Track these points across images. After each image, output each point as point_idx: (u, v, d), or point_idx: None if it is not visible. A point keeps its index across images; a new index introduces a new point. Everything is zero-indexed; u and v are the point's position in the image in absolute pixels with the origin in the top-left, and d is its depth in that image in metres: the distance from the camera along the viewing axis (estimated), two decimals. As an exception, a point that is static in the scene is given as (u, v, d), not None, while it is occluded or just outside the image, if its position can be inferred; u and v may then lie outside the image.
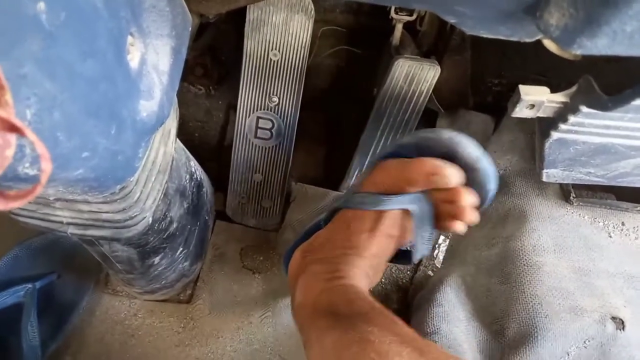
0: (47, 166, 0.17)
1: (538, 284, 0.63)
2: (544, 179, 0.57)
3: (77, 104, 0.25)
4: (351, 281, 0.49)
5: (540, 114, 0.48)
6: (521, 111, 0.48)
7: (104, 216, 0.43)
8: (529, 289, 0.63)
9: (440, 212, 0.52)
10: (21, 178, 0.25)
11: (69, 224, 0.43)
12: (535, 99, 0.46)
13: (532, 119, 0.50)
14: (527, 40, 0.36)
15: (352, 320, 0.43)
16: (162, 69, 0.36)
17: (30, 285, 0.58)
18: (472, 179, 0.50)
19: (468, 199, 0.50)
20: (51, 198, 0.40)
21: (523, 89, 0.46)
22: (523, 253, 0.66)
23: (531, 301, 0.62)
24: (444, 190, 0.51)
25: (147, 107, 0.35)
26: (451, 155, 0.50)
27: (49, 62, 0.22)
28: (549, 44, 0.40)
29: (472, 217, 0.50)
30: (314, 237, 0.56)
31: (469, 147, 0.50)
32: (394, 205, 0.51)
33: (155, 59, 0.35)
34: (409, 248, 0.56)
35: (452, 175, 0.49)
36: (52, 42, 0.22)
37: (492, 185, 0.52)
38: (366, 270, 0.52)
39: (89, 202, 0.41)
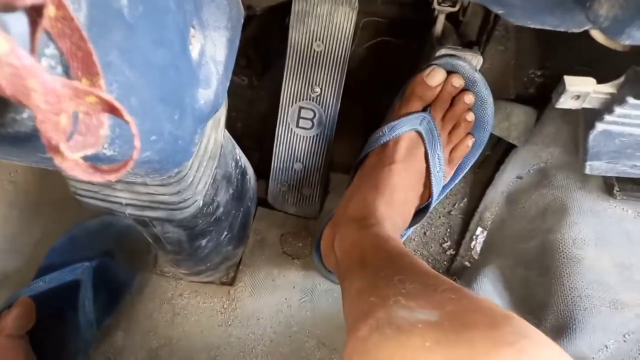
0: (138, 143, 0.20)
1: (578, 277, 0.63)
2: (587, 171, 0.57)
3: (150, 90, 0.27)
4: (379, 227, 0.52)
5: (586, 105, 0.48)
6: (566, 102, 0.48)
7: (160, 198, 0.45)
8: (568, 282, 0.63)
9: (445, 130, 0.61)
10: (99, 158, 0.27)
11: (127, 204, 0.46)
12: (580, 90, 0.46)
13: (575, 111, 0.50)
14: (575, 30, 0.36)
15: (375, 268, 0.44)
16: (218, 59, 0.38)
17: (87, 264, 0.62)
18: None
19: (457, 80, 0.58)
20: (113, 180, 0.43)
21: (568, 79, 0.46)
22: (563, 246, 0.66)
23: (570, 294, 0.62)
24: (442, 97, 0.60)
25: (205, 95, 0.37)
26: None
27: (129, 51, 0.25)
28: (596, 35, 0.40)
29: (469, 98, 0.59)
30: (335, 209, 0.60)
31: (466, 66, 0.59)
32: (404, 127, 0.59)
33: (212, 49, 0.37)
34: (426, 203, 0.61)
35: (440, 71, 0.59)
36: (132, 33, 0.25)
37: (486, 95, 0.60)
38: (393, 215, 0.55)
39: (147, 185, 0.44)
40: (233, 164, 0.61)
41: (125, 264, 0.69)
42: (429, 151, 0.59)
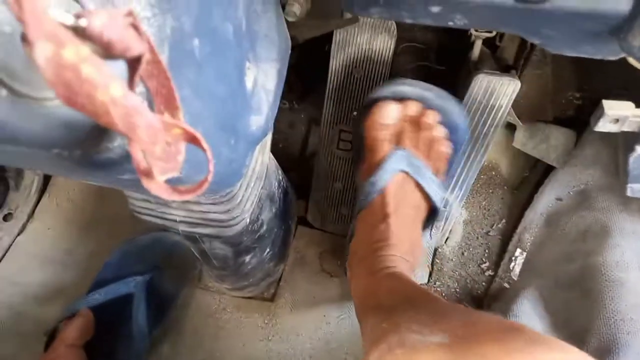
0: (212, 167, 0.22)
1: (620, 301, 0.62)
2: (629, 193, 0.57)
3: (213, 119, 0.30)
4: (391, 270, 0.51)
5: (624, 129, 0.48)
6: (604, 126, 0.48)
7: (211, 216, 0.49)
8: (610, 305, 0.62)
9: (422, 151, 0.57)
10: (169, 180, 0.30)
11: (181, 222, 0.50)
12: (619, 114, 0.47)
13: (615, 133, 0.50)
14: (611, 58, 0.37)
15: (390, 307, 0.44)
16: (269, 88, 0.41)
17: (140, 278, 0.65)
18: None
19: (411, 106, 0.56)
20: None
21: (607, 103, 0.47)
22: (605, 269, 0.65)
23: (613, 317, 0.61)
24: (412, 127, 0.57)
25: (257, 122, 0.40)
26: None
27: (197, 86, 0.28)
28: (633, 60, 0.41)
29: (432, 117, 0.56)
30: (350, 245, 0.60)
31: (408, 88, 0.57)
32: (385, 175, 0.55)
33: (264, 79, 0.40)
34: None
35: (389, 105, 0.56)
36: (200, 70, 0.28)
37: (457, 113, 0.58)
38: (401, 255, 0.53)
39: (200, 203, 0.47)
40: (276, 184, 0.64)
41: (172, 278, 0.72)
42: (421, 182, 0.55)
